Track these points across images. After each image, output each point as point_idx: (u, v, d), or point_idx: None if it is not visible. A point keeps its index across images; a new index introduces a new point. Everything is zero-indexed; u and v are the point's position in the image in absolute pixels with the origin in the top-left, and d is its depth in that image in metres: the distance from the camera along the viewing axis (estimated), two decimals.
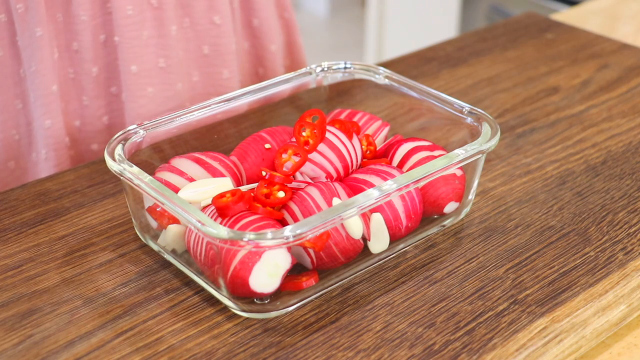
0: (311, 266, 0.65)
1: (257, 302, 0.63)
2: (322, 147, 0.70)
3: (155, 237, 0.69)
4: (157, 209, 0.67)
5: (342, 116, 0.79)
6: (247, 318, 0.63)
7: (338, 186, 0.67)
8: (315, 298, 0.65)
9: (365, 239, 0.66)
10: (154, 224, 0.69)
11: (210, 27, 0.93)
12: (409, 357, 0.60)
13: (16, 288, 0.66)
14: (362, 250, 0.67)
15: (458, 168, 0.70)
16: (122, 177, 0.66)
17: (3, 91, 0.86)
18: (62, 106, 0.88)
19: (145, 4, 0.87)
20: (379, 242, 0.67)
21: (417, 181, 0.65)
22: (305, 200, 0.65)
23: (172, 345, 0.61)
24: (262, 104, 0.80)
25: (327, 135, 0.70)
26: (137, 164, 0.66)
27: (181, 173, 0.69)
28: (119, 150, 0.68)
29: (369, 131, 0.78)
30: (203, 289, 0.66)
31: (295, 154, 0.68)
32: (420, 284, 0.67)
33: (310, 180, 0.69)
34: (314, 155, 0.69)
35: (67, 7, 0.85)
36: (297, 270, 0.65)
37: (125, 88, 0.90)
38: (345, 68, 0.83)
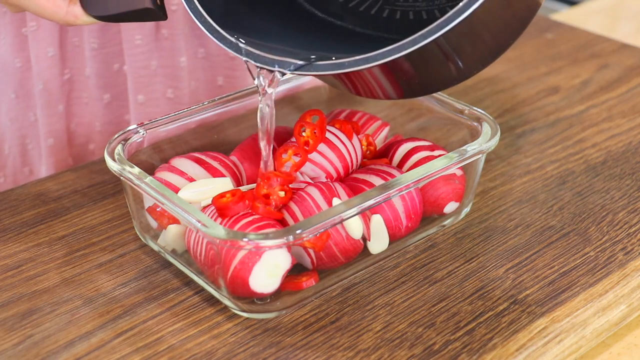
0: (311, 266, 0.65)
1: (257, 302, 0.63)
2: (322, 147, 0.70)
3: (155, 237, 0.69)
4: (157, 209, 0.67)
5: (342, 116, 0.79)
6: (247, 318, 0.63)
7: (338, 186, 0.67)
8: (315, 298, 0.65)
9: (365, 239, 0.66)
10: (154, 224, 0.69)
11: (225, 59, 0.93)
12: (409, 357, 0.60)
13: (16, 288, 0.66)
14: (362, 250, 0.67)
15: (458, 168, 0.70)
16: (122, 177, 0.66)
17: (19, 101, 0.87)
18: (70, 128, 0.90)
19: (154, 34, 0.88)
20: (379, 243, 0.67)
21: (417, 181, 0.65)
22: (305, 200, 0.65)
23: (172, 345, 0.61)
24: None
25: (327, 135, 0.70)
26: (137, 164, 0.66)
27: (181, 173, 0.69)
28: (119, 150, 0.68)
29: (369, 131, 0.78)
30: (203, 289, 0.66)
31: (296, 154, 0.68)
32: (420, 284, 0.67)
33: (310, 181, 0.69)
34: (314, 156, 0.69)
35: (80, 32, 0.86)
36: (297, 270, 0.65)
37: (134, 117, 0.91)
38: None
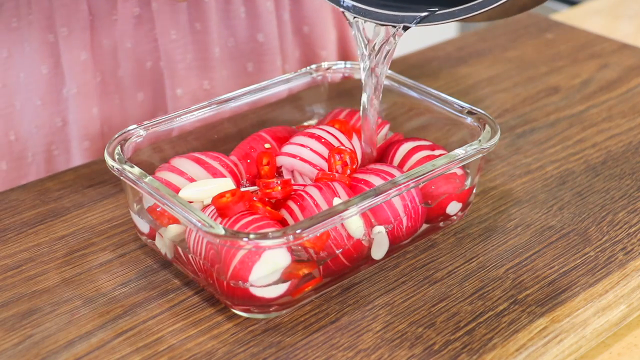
0: None
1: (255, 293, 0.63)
2: (320, 149, 0.70)
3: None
4: (157, 209, 0.67)
5: (342, 116, 0.79)
6: (247, 318, 0.63)
7: (338, 186, 0.67)
8: (315, 298, 0.65)
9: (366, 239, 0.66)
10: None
11: (254, 45, 0.93)
12: (409, 357, 0.60)
13: (16, 288, 0.66)
14: (363, 250, 0.66)
15: (458, 168, 0.70)
16: (122, 177, 0.66)
17: (46, 107, 0.87)
18: (104, 130, 0.90)
19: (187, 28, 0.88)
20: (380, 249, 0.67)
21: (417, 181, 0.65)
22: (305, 200, 0.65)
23: (172, 345, 0.61)
24: (262, 104, 0.80)
25: (326, 136, 0.70)
26: (137, 164, 0.66)
27: (181, 173, 0.69)
28: (118, 150, 0.68)
29: None
30: (203, 289, 0.66)
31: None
32: (420, 284, 0.67)
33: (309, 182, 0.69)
34: (312, 158, 0.69)
35: (112, 33, 0.86)
36: None
37: (171, 111, 0.91)
38: (345, 68, 0.83)
